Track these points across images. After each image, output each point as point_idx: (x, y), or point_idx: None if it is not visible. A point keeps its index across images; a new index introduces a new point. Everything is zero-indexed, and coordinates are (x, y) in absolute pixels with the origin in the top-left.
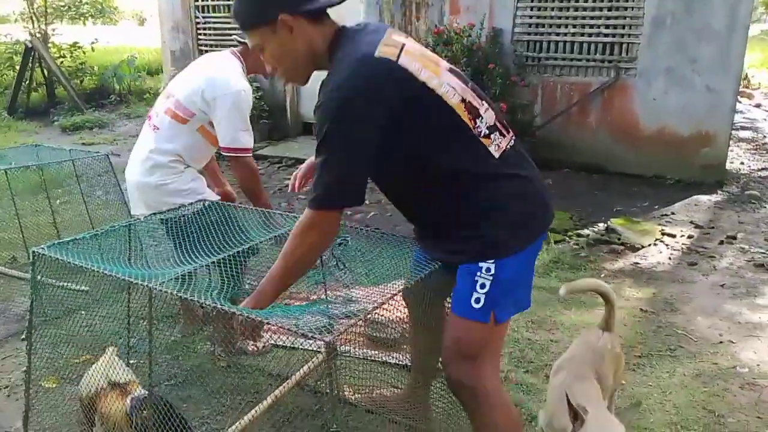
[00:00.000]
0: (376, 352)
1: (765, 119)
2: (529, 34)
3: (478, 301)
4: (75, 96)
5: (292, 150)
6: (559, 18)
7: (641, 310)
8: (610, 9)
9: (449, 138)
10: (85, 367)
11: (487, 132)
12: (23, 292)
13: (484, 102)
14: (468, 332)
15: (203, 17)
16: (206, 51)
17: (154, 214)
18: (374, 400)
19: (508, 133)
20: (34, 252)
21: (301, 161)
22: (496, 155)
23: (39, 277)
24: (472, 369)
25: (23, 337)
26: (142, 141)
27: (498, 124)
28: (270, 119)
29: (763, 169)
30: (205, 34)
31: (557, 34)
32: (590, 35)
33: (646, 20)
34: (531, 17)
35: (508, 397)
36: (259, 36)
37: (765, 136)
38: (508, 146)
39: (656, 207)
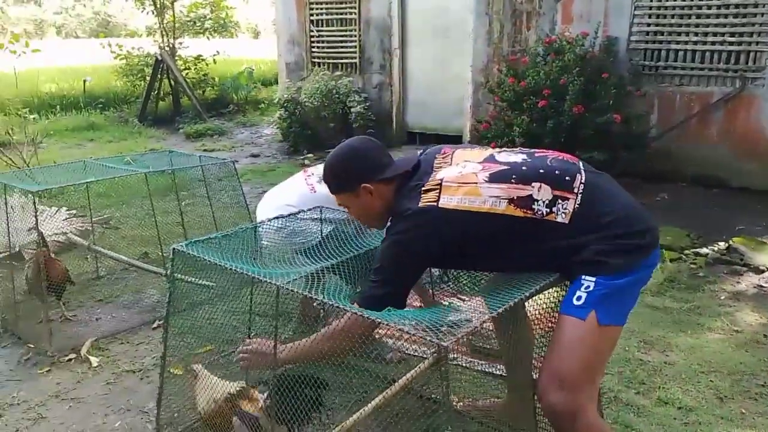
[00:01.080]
0: (480, 361)
1: None
2: (646, 42)
3: (579, 298)
4: (198, 105)
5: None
6: (680, 26)
7: (765, 336)
8: (736, 16)
9: (510, 238)
10: (208, 357)
11: (548, 210)
12: (154, 285)
13: (534, 182)
14: (568, 332)
15: (317, 31)
16: (319, 63)
17: (277, 218)
18: (479, 409)
19: (572, 191)
20: (174, 249)
21: None
22: (566, 221)
23: (175, 273)
24: (570, 393)
25: (154, 326)
26: (293, 188)
27: (558, 192)
28: (376, 129)
29: None
30: (318, 47)
31: (677, 42)
32: (713, 43)
33: None
34: (649, 25)
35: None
36: (345, 198)
37: None
38: (576, 205)
39: None
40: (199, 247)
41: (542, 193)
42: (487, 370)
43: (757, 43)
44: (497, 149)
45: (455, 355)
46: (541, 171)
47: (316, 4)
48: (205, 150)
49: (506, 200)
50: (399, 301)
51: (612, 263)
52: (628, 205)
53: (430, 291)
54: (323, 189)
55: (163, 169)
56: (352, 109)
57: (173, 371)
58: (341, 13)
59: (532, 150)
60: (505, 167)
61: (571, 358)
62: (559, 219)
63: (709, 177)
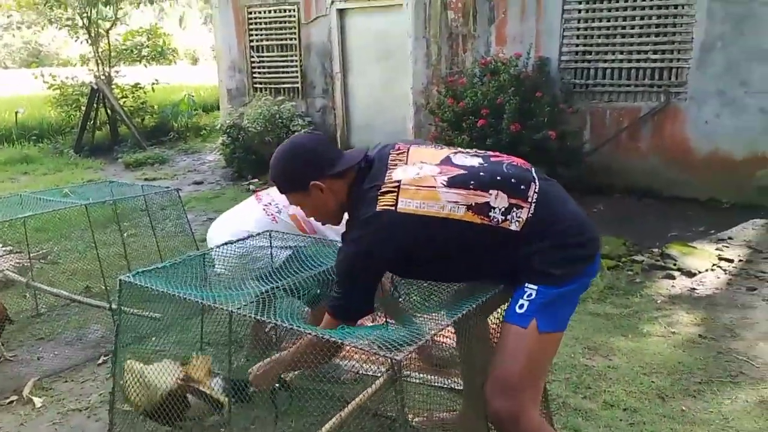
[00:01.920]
0: (432, 376)
1: None
2: (576, 61)
3: (521, 306)
4: (137, 134)
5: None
6: (606, 45)
7: (700, 336)
8: (657, 35)
9: (465, 244)
10: None
11: (503, 218)
12: (98, 320)
13: (492, 190)
14: (510, 340)
15: (258, 56)
16: (261, 88)
17: (227, 243)
18: (434, 423)
19: (526, 200)
20: (120, 280)
21: None
22: (519, 229)
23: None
24: (512, 398)
25: (99, 362)
26: (248, 214)
27: (513, 200)
28: None
29: None
30: (259, 72)
31: (604, 61)
32: (638, 61)
33: (695, 44)
34: (577, 45)
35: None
36: (296, 197)
37: None
38: (530, 214)
39: (712, 231)
40: (147, 277)
41: (499, 200)
42: (442, 384)
43: (678, 59)
44: (452, 149)
45: (408, 372)
46: (498, 178)
47: (256, 30)
48: (146, 179)
49: (465, 206)
50: (363, 309)
51: (557, 274)
52: (577, 214)
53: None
54: (285, 218)
55: (104, 200)
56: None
57: (123, 407)
58: (281, 39)
59: (487, 153)
60: (463, 171)
61: (513, 365)
62: (513, 227)
63: (641, 188)
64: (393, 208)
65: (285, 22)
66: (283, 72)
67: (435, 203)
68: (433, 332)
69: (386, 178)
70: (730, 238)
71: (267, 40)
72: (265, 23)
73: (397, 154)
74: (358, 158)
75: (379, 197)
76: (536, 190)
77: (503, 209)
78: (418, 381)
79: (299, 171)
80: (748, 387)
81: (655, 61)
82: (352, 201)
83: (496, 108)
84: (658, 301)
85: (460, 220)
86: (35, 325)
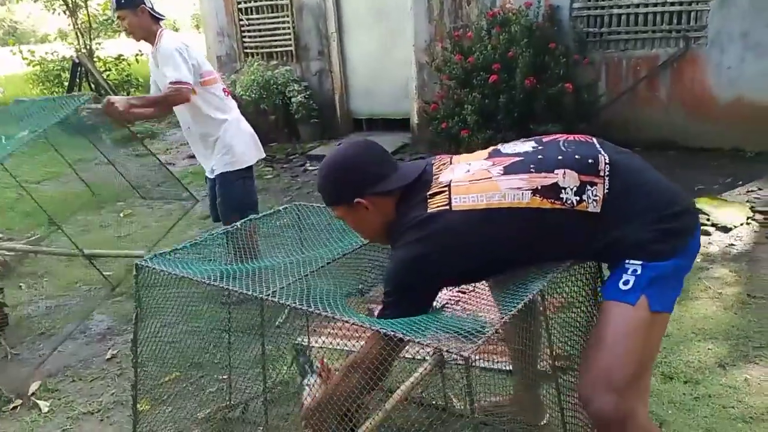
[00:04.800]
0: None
1: None
2: (588, 9)
3: (626, 283)
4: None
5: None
6: None
7: (748, 295)
8: None
9: (538, 236)
10: (174, 385)
11: (577, 198)
12: (101, 309)
13: (557, 170)
14: (615, 321)
15: (247, 20)
16: (252, 54)
17: (250, 219)
18: (485, 409)
19: (599, 175)
20: (136, 265)
21: None
22: (598, 210)
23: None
24: (619, 395)
25: (108, 356)
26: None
27: (585, 178)
28: (320, 118)
29: None
30: (250, 37)
31: (619, 6)
32: (655, 5)
33: None
34: None
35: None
36: (340, 211)
37: None
38: (606, 191)
39: (740, 183)
40: (166, 260)
41: (568, 179)
42: (490, 366)
43: (698, 2)
44: (499, 144)
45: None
46: (560, 157)
47: None
48: (137, 156)
49: (530, 191)
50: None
51: (659, 248)
52: (660, 182)
53: None
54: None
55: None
56: (293, 100)
57: (139, 407)
58: (272, 0)
59: (539, 137)
60: (518, 158)
61: (620, 353)
62: (591, 208)
63: (663, 140)
64: (447, 207)
65: None
66: (275, 35)
67: (495, 193)
68: (502, 320)
69: (433, 184)
70: (759, 189)
71: (256, 1)
72: None
73: (440, 163)
74: (413, 176)
75: (429, 200)
76: (607, 162)
77: (575, 189)
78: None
79: (344, 185)
80: None
81: (673, 4)
82: (399, 217)
83: (508, 62)
84: (698, 260)
85: (527, 207)
86: (33, 318)
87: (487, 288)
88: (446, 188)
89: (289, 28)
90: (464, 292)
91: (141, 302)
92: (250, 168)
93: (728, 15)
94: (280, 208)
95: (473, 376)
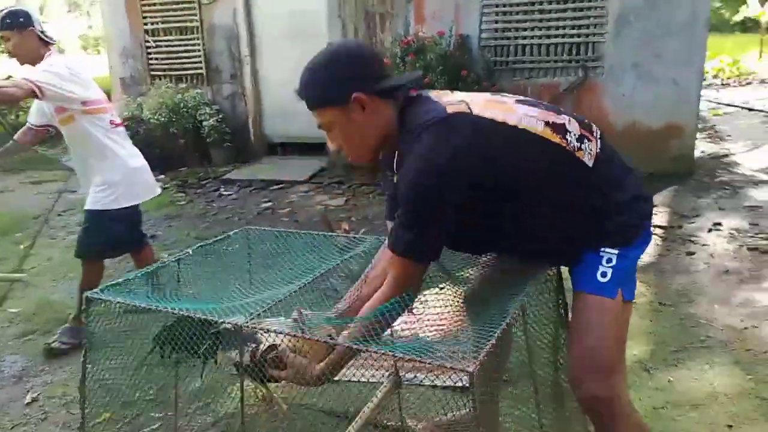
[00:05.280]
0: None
1: (706, 108)
2: (495, 39)
3: (604, 275)
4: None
5: (261, 171)
6: (524, 21)
7: (660, 303)
8: (574, 10)
9: (545, 165)
10: (108, 426)
11: (578, 144)
12: (12, 349)
13: (564, 115)
14: (598, 312)
15: (154, 41)
16: (159, 76)
17: (202, 246)
18: (441, 427)
19: (594, 135)
20: (87, 297)
21: (273, 182)
22: (591, 164)
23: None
24: (607, 378)
25: (28, 400)
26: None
27: (584, 131)
28: (233, 142)
29: (723, 155)
30: (157, 59)
31: (524, 38)
32: (556, 36)
33: (610, 18)
34: (497, 22)
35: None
36: (329, 115)
37: (714, 125)
38: (598, 149)
39: None
40: (118, 291)
41: (572, 126)
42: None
43: (594, 34)
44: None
45: (404, 374)
46: (562, 109)
47: (151, 12)
48: (32, 183)
49: (543, 122)
50: (438, 248)
51: (632, 234)
52: (631, 168)
53: None
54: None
55: None
56: (204, 123)
57: None
58: (181, 21)
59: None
60: (527, 98)
61: (604, 337)
62: (586, 159)
63: None
64: (469, 111)
65: (183, 3)
66: (184, 57)
67: (512, 114)
68: (496, 334)
69: (443, 99)
70: (655, 206)
71: (164, 22)
72: (161, 4)
73: (440, 91)
74: (411, 79)
75: (447, 108)
76: (597, 128)
77: (577, 136)
78: (412, 383)
79: (339, 78)
80: (719, 351)
81: (572, 36)
82: (410, 120)
83: (425, 88)
84: None
85: (540, 136)
86: None
87: (440, 313)
88: (462, 102)
89: (199, 50)
90: (414, 314)
91: (91, 337)
92: (129, 207)
93: (621, 47)
94: (230, 233)
95: (429, 394)
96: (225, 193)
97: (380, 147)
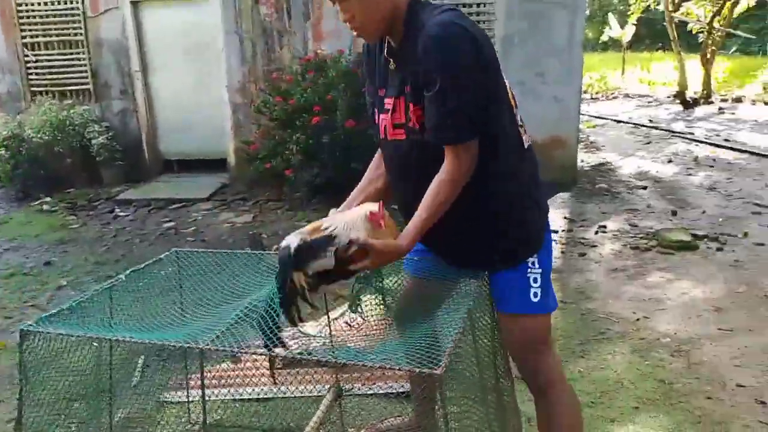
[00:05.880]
0: (368, 383)
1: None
2: None
3: (536, 295)
4: None
5: (158, 190)
6: None
7: (562, 302)
8: None
9: (507, 115)
10: None
11: (521, 123)
12: None
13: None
14: (536, 326)
15: (34, 55)
16: (41, 92)
17: (134, 271)
18: None
19: (526, 132)
20: (21, 330)
21: (172, 201)
22: (526, 146)
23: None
24: (548, 358)
25: None
26: None
27: (522, 123)
28: (125, 160)
29: (600, 164)
30: (37, 74)
31: None
32: None
33: (496, 39)
34: None
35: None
36: None
37: (588, 136)
38: (529, 143)
39: None
40: (56, 322)
41: (518, 111)
42: (382, 391)
43: None
44: None
45: (344, 385)
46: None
47: (29, 24)
48: None
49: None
50: (479, 123)
51: (542, 235)
52: None
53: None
54: None
55: None
56: (93, 141)
57: None
58: (64, 35)
59: None
60: None
61: (537, 328)
62: (524, 138)
63: None
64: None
65: (67, 15)
66: (68, 72)
67: None
68: (456, 335)
69: None
70: None
71: (45, 36)
72: (41, 17)
73: None
74: None
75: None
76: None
77: (521, 119)
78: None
79: None
80: (618, 341)
81: None
82: (411, 27)
83: (328, 104)
84: None
85: (511, 93)
86: None
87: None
88: None
89: (85, 65)
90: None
91: (27, 374)
92: None
93: (507, 67)
94: (162, 256)
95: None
96: (121, 214)
97: (384, 31)
